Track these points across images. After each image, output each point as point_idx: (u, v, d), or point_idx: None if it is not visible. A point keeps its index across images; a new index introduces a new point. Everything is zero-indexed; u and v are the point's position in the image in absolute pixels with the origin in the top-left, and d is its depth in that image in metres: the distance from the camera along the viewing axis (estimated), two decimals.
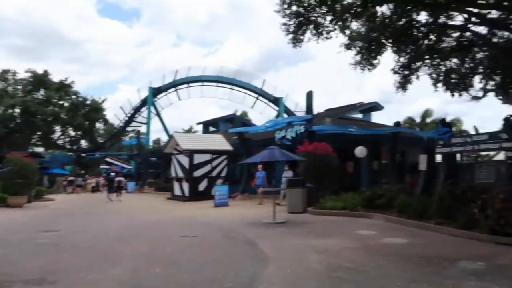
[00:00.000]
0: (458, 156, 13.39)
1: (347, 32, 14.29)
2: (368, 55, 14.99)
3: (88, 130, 46.05)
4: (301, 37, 12.88)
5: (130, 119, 46.69)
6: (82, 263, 6.42)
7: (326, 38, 13.60)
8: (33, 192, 22.14)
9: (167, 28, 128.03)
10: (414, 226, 9.56)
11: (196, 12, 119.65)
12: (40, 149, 48.17)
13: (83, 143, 53.45)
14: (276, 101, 42.79)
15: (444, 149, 10.66)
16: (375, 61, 15.33)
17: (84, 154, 51.15)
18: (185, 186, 21.27)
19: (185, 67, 44.18)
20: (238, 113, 48.85)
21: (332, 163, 14.81)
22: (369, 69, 15.91)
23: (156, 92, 43.55)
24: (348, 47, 14.72)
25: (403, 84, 16.43)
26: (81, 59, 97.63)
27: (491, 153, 25.37)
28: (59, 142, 51.15)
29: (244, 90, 43.74)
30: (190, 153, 20.81)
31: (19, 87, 43.69)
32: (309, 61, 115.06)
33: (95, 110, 45.33)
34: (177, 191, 22.16)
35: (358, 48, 14.82)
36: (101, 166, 57.68)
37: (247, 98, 44.36)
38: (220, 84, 43.65)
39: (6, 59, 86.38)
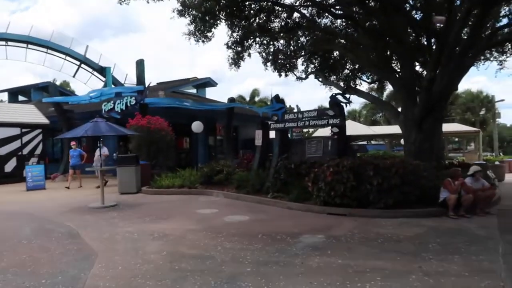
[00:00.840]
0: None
1: None
2: (202, 26, 14.39)
3: None
4: None
5: None
6: None
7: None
8: None
9: None
10: (253, 201, 9.60)
11: None
12: None
13: None
14: (102, 70, 38.46)
15: (278, 125, 11.00)
16: (209, 34, 14.82)
17: None
18: None
19: None
20: (58, 83, 42.52)
21: (168, 138, 13.92)
22: (203, 41, 15.29)
23: None
24: (181, 13, 13.79)
25: (236, 61, 16.48)
26: None
27: (320, 129, 28.65)
28: None
29: (63, 56, 38.04)
30: None
31: None
32: (140, 33, 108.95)
33: None
34: None
35: (192, 17, 14.06)
36: None
37: (67, 65, 38.76)
38: (31, 46, 36.75)
39: None
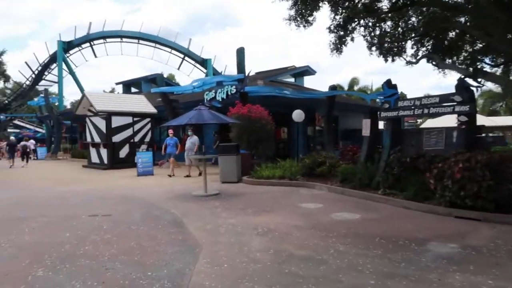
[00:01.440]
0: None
1: None
2: (304, 9, 13.68)
3: None
4: None
5: (39, 77, 41.39)
6: None
7: None
8: None
9: None
10: (360, 197, 8.72)
11: None
12: None
13: None
14: (204, 62, 40.30)
15: (390, 113, 9.85)
16: (310, 18, 14.07)
17: None
18: (103, 152, 18.82)
19: (100, 21, 39.49)
20: (165, 76, 45.48)
21: (268, 127, 13.57)
22: (304, 26, 14.61)
23: (67, 47, 38.54)
24: None
25: (338, 46, 15.47)
26: None
27: (429, 120, 26.10)
28: None
29: (169, 50, 40.49)
30: (108, 115, 18.27)
31: None
32: (238, 27, 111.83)
33: None
34: (94, 158, 19.60)
35: (293, 0, 13.41)
36: (9, 130, 51.40)
37: (173, 59, 41.29)
38: (142, 42, 39.83)
39: None
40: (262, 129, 13.28)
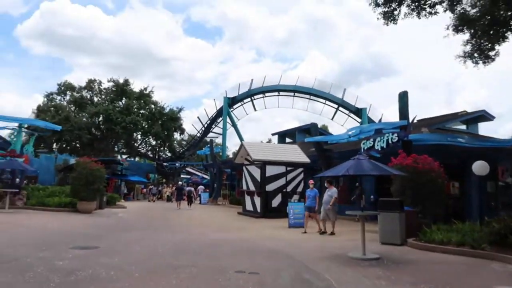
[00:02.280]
0: None
1: (458, 8, 11.10)
2: (485, 42, 11.57)
3: (166, 139, 46.56)
4: (395, 11, 10.04)
5: (207, 130, 46.52)
6: None
7: (430, 13, 10.61)
8: (104, 198, 21.79)
9: (247, 45, 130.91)
10: None
11: (275, 29, 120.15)
12: (124, 157, 50.11)
13: (165, 153, 54.75)
14: (358, 112, 39.23)
15: None
16: (492, 52, 11.86)
17: (166, 164, 52.27)
18: (257, 200, 19.09)
19: (260, 77, 42.71)
20: (318, 126, 45.88)
21: (439, 181, 11.50)
22: (484, 63, 12.50)
23: (231, 102, 42.65)
24: (458, 28, 11.44)
25: None
26: (170, 75, 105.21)
27: None
28: (142, 150, 52.80)
29: (323, 101, 40.90)
30: (263, 164, 18.63)
31: (103, 96, 45.81)
32: (393, 76, 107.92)
33: (172, 119, 45.71)
34: (249, 206, 20.07)
35: (472, 31, 11.47)
36: (182, 176, 58.80)
37: (327, 110, 41.41)
38: (297, 94, 41.38)
39: (103, 77, 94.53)
40: (431, 183, 11.28)
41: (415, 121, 18.62)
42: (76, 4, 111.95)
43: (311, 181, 14.02)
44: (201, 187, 30.60)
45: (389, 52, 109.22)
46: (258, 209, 18.79)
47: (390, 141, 13.23)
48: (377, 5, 10.22)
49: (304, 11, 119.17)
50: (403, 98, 13.35)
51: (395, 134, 13.24)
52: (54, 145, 44.62)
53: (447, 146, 13.33)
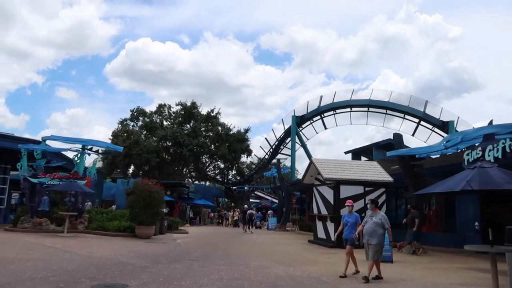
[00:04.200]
0: None
1: None
2: None
3: (233, 161, 45.41)
4: None
5: (276, 151, 44.66)
6: None
7: None
8: (165, 222, 20.55)
9: (316, 69, 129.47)
10: None
11: (344, 51, 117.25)
12: (193, 181, 49.89)
13: (234, 176, 53.84)
14: (444, 126, 34.62)
15: None
16: None
17: (234, 187, 51.12)
18: (330, 227, 16.36)
19: (330, 93, 40.08)
20: None
21: None
22: None
23: (300, 121, 40.47)
24: None
25: None
26: (241, 102, 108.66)
27: None
28: (210, 173, 52.29)
29: (402, 115, 36.91)
30: (336, 184, 15.98)
31: (172, 120, 46.26)
32: (477, 91, 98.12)
33: (239, 140, 44.51)
34: (320, 233, 17.37)
35: None
36: (251, 200, 57.29)
37: (406, 125, 37.19)
38: (372, 109, 37.93)
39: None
40: None
41: None
42: (156, 41, 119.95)
43: (349, 202, 10.09)
44: (270, 212, 28.61)
45: (468, 66, 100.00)
46: (332, 237, 16.01)
47: (508, 149, 9.97)
48: None
49: (374, 31, 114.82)
50: None
51: None
52: (130, 169, 45.74)
53: None
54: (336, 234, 9.68)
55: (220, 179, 52.79)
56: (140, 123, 47.36)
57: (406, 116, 36.58)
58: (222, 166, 50.37)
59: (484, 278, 8.86)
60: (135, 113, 47.78)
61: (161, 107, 47.00)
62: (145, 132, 45.72)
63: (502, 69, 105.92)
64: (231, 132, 45.06)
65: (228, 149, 43.07)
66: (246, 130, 46.64)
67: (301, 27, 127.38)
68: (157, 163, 40.82)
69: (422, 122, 35.98)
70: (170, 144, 43.06)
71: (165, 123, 46.99)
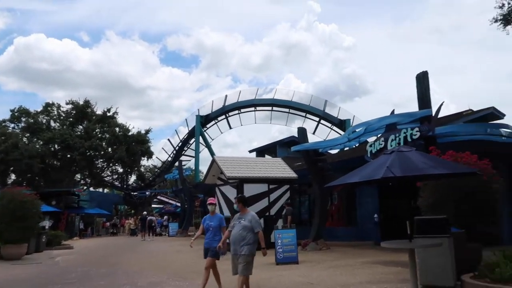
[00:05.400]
0: None
1: None
2: None
3: (132, 165, 42.01)
4: None
5: (179, 153, 42.42)
6: None
7: None
8: (43, 237, 17.45)
9: (223, 72, 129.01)
10: None
11: (250, 55, 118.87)
12: (86, 188, 45.09)
13: (133, 181, 50.12)
14: (341, 124, 36.10)
15: None
16: None
17: (135, 193, 47.51)
18: None
19: (235, 92, 39.37)
20: None
21: (491, 188, 8.03)
22: None
23: (204, 121, 38.96)
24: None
25: None
26: (146, 105, 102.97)
27: None
28: (108, 179, 47.93)
29: (303, 114, 37.65)
30: (239, 183, 14.88)
31: (62, 121, 41.15)
32: (367, 95, 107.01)
33: (139, 142, 41.26)
34: None
35: None
36: (153, 206, 53.89)
37: (307, 124, 37.97)
38: (275, 108, 38.05)
39: None
40: (482, 191, 7.79)
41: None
42: (52, 38, 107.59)
43: (211, 200, 7.63)
44: (165, 217, 26.61)
45: (360, 73, 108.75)
46: None
47: (409, 139, 9.77)
48: None
49: (278, 38, 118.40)
50: (424, 80, 9.99)
51: (416, 129, 9.81)
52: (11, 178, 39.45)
53: (481, 143, 9.98)
54: (220, 243, 6.65)
55: (119, 185, 48.70)
56: (22, 124, 41.17)
57: (308, 115, 37.39)
58: (120, 170, 46.41)
59: (391, 272, 8.41)
60: (16, 113, 41.40)
61: (48, 106, 41.24)
62: (28, 134, 39.87)
63: (388, 76, 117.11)
64: (130, 133, 41.41)
65: (126, 151, 39.47)
66: (147, 131, 43.45)
67: (208, 30, 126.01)
68: (42, 169, 35.75)
69: (322, 121, 37.09)
70: (58, 147, 38.09)
71: (53, 124, 41.54)
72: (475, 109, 18.77)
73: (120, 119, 43.51)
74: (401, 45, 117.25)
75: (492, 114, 18.68)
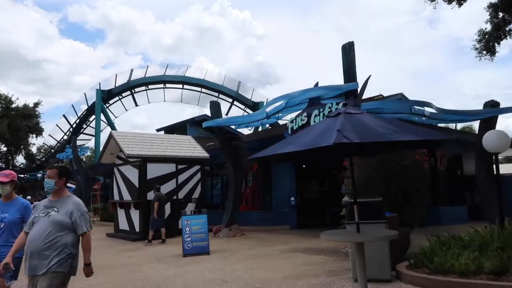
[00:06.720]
0: None
1: None
2: None
3: (18, 143, 36.52)
4: None
5: (77, 131, 37.93)
6: None
7: None
8: None
9: (133, 50, 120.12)
10: None
11: (162, 34, 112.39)
12: None
13: (20, 161, 44.01)
14: (255, 106, 35.36)
15: None
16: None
17: (23, 175, 41.63)
18: (135, 215, 13.17)
19: (143, 66, 36.23)
20: None
21: (423, 168, 7.43)
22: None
23: (107, 96, 35.23)
24: None
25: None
26: (43, 79, 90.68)
27: None
28: None
29: (216, 94, 36.09)
30: (142, 162, 12.90)
31: None
32: (278, 83, 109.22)
33: (25, 116, 35.88)
34: (123, 224, 13.96)
35: None
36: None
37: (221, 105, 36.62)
38: (186, 86, 35.87)
39: None
40: (415, 171, 7.12)
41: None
42: None
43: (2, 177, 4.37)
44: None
45: (271, 61, 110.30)
46: (137, 228, 12.95)
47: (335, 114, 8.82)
48: None
49: (191, 19, 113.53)
50: (350, 52, 9.09)
51: (341, 104, 8.91)
52: None
53: (409, 122, 9.51)
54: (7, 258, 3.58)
55: (4, 166, 42.36)
56: None
57: (221, 96, 35.92)
58: (4, 149, 40.26)
59: (315, 263, 7.44)
60: None
61: None
62: None
63: (297, 65, 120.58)
64: (13, 105, 35.71)
65: (8, 126, 33.98)
66: (36, 104, 37.97)
67: (116, 3, 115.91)
68: None
69: (235, 102, 35.99)
70: None
71: None
72: (385, 94, 19.00)
73: (12, 93, 37.46)
74: (309, 37, 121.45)
75: (400, 100, 19.13)
